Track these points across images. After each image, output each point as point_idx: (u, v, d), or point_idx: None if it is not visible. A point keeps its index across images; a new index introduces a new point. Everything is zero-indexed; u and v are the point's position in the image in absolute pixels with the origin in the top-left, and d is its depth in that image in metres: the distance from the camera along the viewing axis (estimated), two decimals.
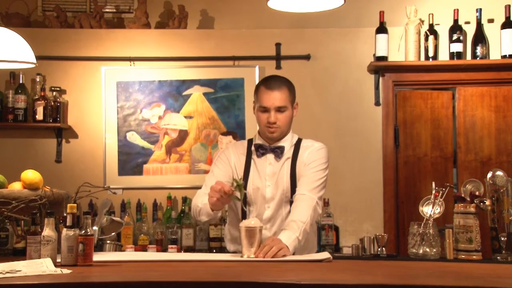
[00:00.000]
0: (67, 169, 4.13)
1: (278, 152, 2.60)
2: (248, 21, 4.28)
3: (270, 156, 2.62)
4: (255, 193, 2.59)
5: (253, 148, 2.65)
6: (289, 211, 2.55)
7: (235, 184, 2.34)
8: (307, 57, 4.19)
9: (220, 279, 1.84)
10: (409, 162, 4.14)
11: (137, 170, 4.14)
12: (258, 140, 2.66)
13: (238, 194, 2.34)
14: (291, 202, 2.57)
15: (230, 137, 4.15)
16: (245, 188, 2.57)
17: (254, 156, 2.64)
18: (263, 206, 2.60)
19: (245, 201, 2.57)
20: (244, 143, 2.72)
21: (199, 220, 2.57)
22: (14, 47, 2.60)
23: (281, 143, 2.62)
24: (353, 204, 4.10)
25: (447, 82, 4.17)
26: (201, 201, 2.53)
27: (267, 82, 2.59)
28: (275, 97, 2.55)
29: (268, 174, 2.60)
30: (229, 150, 2.70)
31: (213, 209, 2.44)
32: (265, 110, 2.56)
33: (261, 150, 2.62)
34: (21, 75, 4.06)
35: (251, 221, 2.32)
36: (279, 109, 2.55)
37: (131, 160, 4.14)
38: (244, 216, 2.57)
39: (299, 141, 2.67)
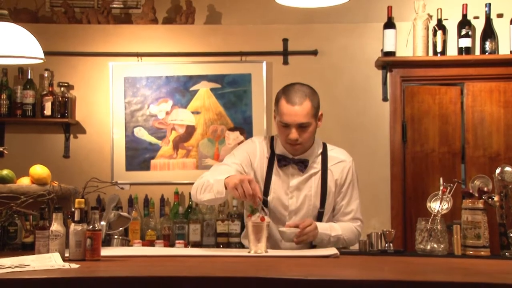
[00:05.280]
0: (75, 164, 4.15)
1: (302, 166, 2.47)
2: (255, 17, 4.27)
3: (293, 168, 2.48)
4: (276, 202, 2.49)
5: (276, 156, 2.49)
6: None
7: (249, 209, 2.29)
8: (314, 53, 4.18)
9: (227, 274, 1.84)
10: (416, 157, 4.12)
11: (145, 166, 4.15)
12: (280, 150, 2.49)
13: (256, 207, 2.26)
14: (319, 214, 2.51)
15: (237, 133, 4.15)
16: (266, 195, 2.47)
17: (276, 163, 2.49)
18: (285, 217, 2.51)
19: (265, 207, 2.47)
20: (269, 143, 2.53)
21: (201, 198, 2.35)
22: (22, 43, 2.61)
23: (304, 156, 2.48)
24: (360, 200, 4.08)
25: (456, 77, 4.14)
26: (213, 178, 2.31)
27: (289, 95, 2.39)
28: (297, 114, 2.36)
29: (292, 186, 2.49)
30: (256, 151, 2.50)
31: (227, 189, 2.25)
32: (286, 125, 2.39)
33: (283, 162, 2.47)
34: (29, 71, 4.08)
35: (258, 217, 2.32)
36: (301, 125, 2.38)
37: (139, 155, 4.15)
38: None
39: (325, 150, 2.54)
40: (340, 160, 2.55)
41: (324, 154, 2.53)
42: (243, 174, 2.41)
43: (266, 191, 2.49)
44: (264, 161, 2.50)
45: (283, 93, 2.43)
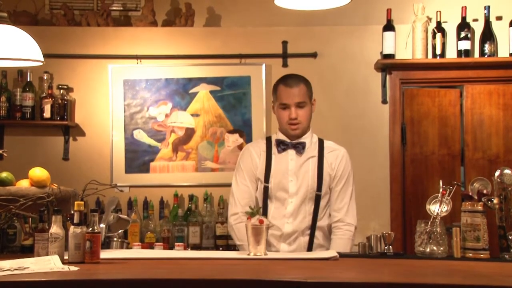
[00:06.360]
0: (75, 166, 4.14)
1: (300, 147, 2.70)
2: (254, 19, 4.27)
3: (291, 152, 2.70)
4: (277, 188, 2.66)
5: (273, 143, 2.72)
6: (314, 207, 2.65)
7: (249, 212, 2.37)
8: (314, 55, 4.18)
9: (227, 276, 1.84)
10: (416, 160, 4.12)
11: (144, 168, 4.15)
12: (279, 136, 2.73)
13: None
14: (316, 197, 2.64)
15: (236, 135, 4.15)
16: (266, 181, 2.66)
17: (274, 151, 2.71)
18: (286, 200, 2.65)
19: (266, 196, 2.64)
20: (264, 140, 2.80)
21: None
22: (22, 45, 2.61)
23: (302, 139, 2.71)
24: (359, 202, 4.02)
25: (455, 80, 4.15)
26: (238, 241, 2.67)
27: (285, 81, 2.70)
28: (294, 94, 2.65)
29: (291, 170, 2.68)
30: (250, 151, 2.76)
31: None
32: (286, 107, 2.67)
33: (283, 146, 2.70)
34: (28, 73, 4.08)
35: (257, 219, 2.32)
36: (299, 105, 2.66)
37: (138, 158, 4.15)
38: (265, 211, 2.64)
39: (321, 142, 2.76)
40: (334, 149, 2.77)
41: (321, 144, 2.76)
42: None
43: (267, 178, 2.66)
44: (261, 154, 2.73)
45: (281, 81, 2.74)
